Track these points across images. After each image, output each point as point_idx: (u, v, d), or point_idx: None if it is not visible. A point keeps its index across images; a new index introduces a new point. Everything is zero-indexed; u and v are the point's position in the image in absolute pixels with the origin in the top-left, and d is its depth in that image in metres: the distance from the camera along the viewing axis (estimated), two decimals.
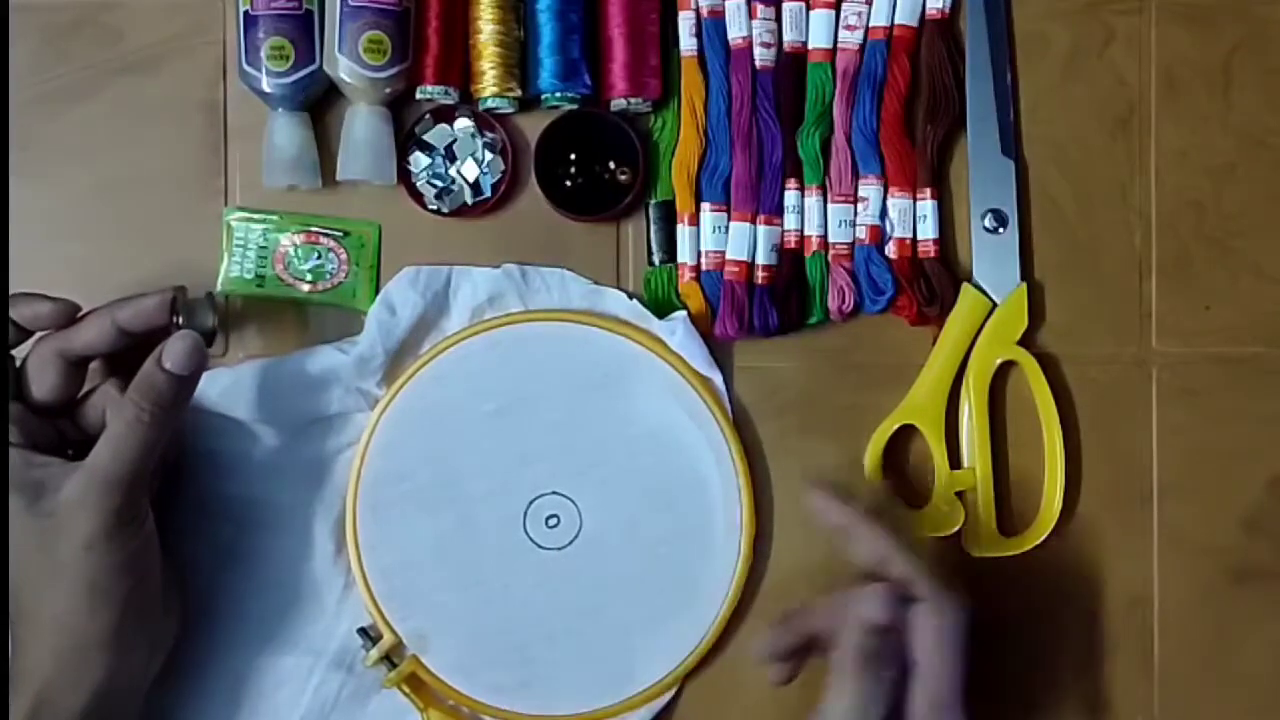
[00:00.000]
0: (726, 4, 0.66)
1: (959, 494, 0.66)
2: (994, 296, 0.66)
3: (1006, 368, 0.66)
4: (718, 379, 0.66)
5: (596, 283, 0.67)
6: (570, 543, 0.65)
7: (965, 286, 0.66)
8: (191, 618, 0.64)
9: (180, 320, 0.62)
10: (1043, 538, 0.66)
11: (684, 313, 0.65)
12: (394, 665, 0.64)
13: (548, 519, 0.65)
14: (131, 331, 0.61)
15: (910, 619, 0.57)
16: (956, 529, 0.66)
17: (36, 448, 0.59)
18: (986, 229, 0.67)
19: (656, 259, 0.66)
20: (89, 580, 0.57)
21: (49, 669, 0.57)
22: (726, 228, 0.66)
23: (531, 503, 0.65)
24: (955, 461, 0.66)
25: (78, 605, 0.57)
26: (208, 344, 0.61)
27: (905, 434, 0.66)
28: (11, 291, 0.61)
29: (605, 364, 0.65)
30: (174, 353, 0.59)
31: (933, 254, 0.66)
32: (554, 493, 0.65)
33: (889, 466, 0.66)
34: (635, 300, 0.66)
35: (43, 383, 0.61)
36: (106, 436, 0.57)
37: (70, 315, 0.61)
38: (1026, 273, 0.67)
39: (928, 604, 0.57)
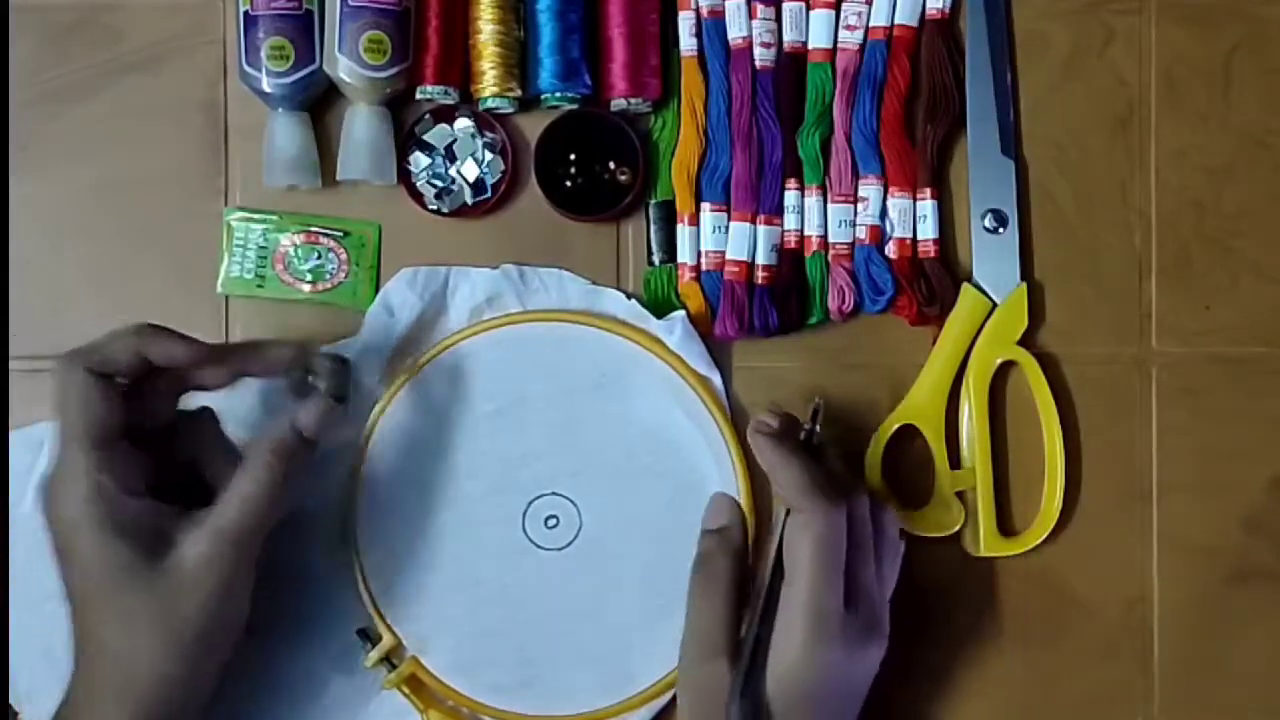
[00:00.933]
0: (726, 4, 0.66)
1: (959, 494, 0.66)
2: (994, 296, 0.66)
3: (1006, 368, 0.66)
4: (716, 379, 0.66)
5: (595, 283, 0.67)
6: (570, 543, 0.65)
7: (965, 286, 0.66)
8: None
9: (313, 379, 0.61)
10: (1043, 538, 0.66)
11: (682, 313, 0.65)
12: (394, 666, 0.64)
13: (547, 519, 0.65)
14: (249, 375, 0.61)
15: (784, 528, 0.58)
16: (956, 529, 0.66)
17: (148, 487, 0.57)
18: (986, 229, 0.67)
19: (656, 259, 0.66)
20: (201, 633, 0.56)
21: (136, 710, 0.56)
22: (726, 228, 0.66)
23: (531, 503, 0.65)
24: (955, 461, 0.66)
25: (182, 657, 0.56)
26: (339, 405, 0.61)
27: (905, 434, 0.66)
28: (145, 323, 0.59)
29: (604, 364, 0.65)
30: (311, 418, 0.59)
31: (933, 254, 0.66)
32: (553, 493, 0.65)
33: (889, 466, 0.66)
34: (633, 300, 0.66)
35: (157, 416, 0.59)
36: (237, 496, 0.57)
37: (203, 359, 0.58)
38: (1026, 273, 0.67)
39: (797, 515, 0.57)
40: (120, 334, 0.58)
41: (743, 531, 0.62)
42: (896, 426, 0.66)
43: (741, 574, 0.60)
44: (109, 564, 0.55)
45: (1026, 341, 0.66)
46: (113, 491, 0.56)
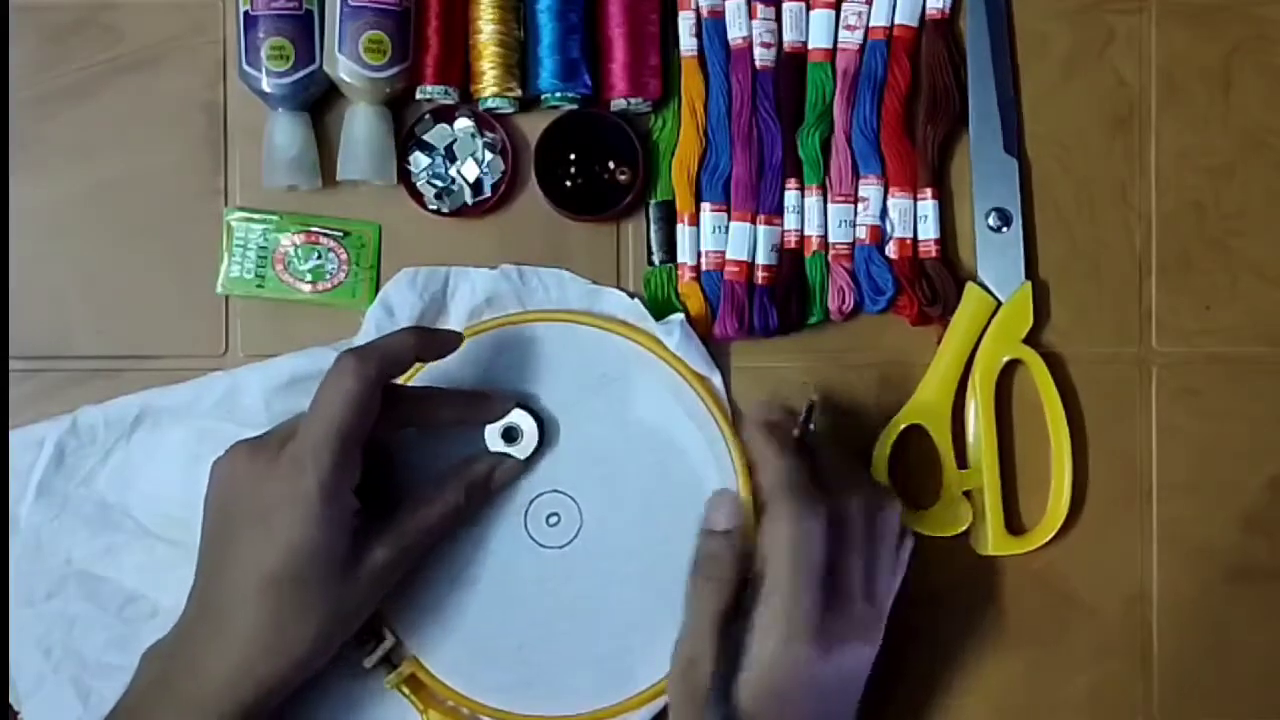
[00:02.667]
0: (726, 4, 0.66)
1: (966, 493, 0.66)
2: (999, 295, 0.66)
3: (1010, 367, 0.66)
4: (716, 379, 0.66)
5: (595, 282, 0.66)
6: (571, 541, 0.65)
7: (970, 285, 0.66)
8: None
9: (515, 441, 0.63)
10: (1050, 536, 0.66)
11: (680, 316, 0.65)
12: (394, 666, 0.64)
13: (548, 517, 0.65)
14: (466, 421, 0.63)
15: (761, 527, 0.58)
16: (965, 528, 0.66)
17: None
18: (991, 227, 0.67)
19: (656, 259, 0.66)
20: (350, 631, 0.59)
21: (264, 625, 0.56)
22: (726, 228, 0.66)
23: (532, 501, 0.65)
24: (962, 461, 0.66)
25: (327, 651, 0.58)
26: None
27: (911, 434, 0.66)
28: (416, 327, 0.63)
29: (604, 363, 0.65)
30: (506, 476, 0.63)
31: (934, 254, 0.66)
32: (555, 490, 0.65)
33: (896, 467, 0.66)
34: (635, 299, 0.66)
35: (388, 425, 0.60)
36: (424, 515, 0.60)
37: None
38: (1031, 271, 0.67)
39: (775, 511, 0.57)
40: (400, 336, 0.59)
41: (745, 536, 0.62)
42: (903, 426, 0.66)
43: (743, 579, 0.59)
44: (311, 553, 0.56)
45: (1030, 341, 0.66)
46: (343, 488, 0.56)
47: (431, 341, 0.60)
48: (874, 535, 0.59)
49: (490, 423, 0.63)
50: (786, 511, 0.57)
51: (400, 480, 0.63)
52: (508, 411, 0.63)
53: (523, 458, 0.64)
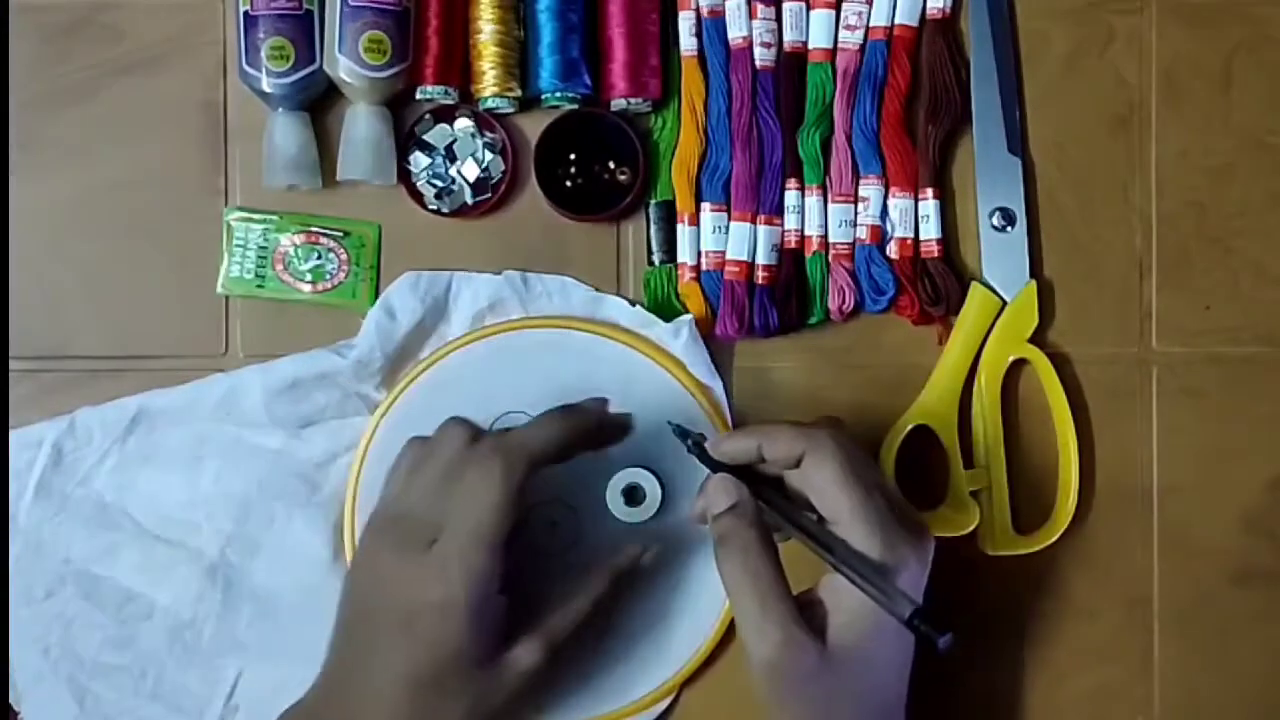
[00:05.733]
0: (726, 4, 0.66)
1: (973, 493, 0.66)
2: (1003, 295, 0.66)
3: (1013, 367, 0.66)
4: (718, 387, 0.66)
5: (598, 289, 0.66)
6: (571, 546, 0.65)
7: (974, 285, 0.66)
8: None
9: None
10: (1058, 535, 0.66)
11: (689, 317, 0.65)
12: None
13: (549, 522, 0.65)
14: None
15: (803, 480, 0.56)
16: (972, 528, 0.66)
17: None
18: (995, 227, 0.67)
19: (656, 259, 0.66)
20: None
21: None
22: (726, 228, 0.66)
23: (532, 507, 0.65)
24: (969, 461, 0.66)
25: None
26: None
27: (917, 434, 0.66)
28: (559, 410, 0.60)
29: (606, 370, 0.65)
30: (629, 561, 0.62)
31: (936, 254, 0.66)
32: (555, 498, 0.65)
33: (903, 467, 0.66)
34: (637, 306, 0.66)
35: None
36: (575, 610, 0.59)
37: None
38: (1035, 270, 0.67)
39: (808, 457, 0.56)
40: (546, 426, 0.58)
41: (753, 502, 0.58)
42: (910, 427, 0.66)
43: (769, 538, 0.57)
44: (454, 658, 0.55)
45: (1033, 341, 0.66)
46: (491, 590, 0.55)
47: (590, 430, 0.59)
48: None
49: (610, 444, 0.62)
50: (817, 448, 0.55)
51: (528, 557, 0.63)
52: (614, 423, 0.62)
53: (644, 519, 0.64)
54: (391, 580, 0.56)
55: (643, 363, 0.65)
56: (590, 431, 0.60)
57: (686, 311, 0.66)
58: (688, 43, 0.66)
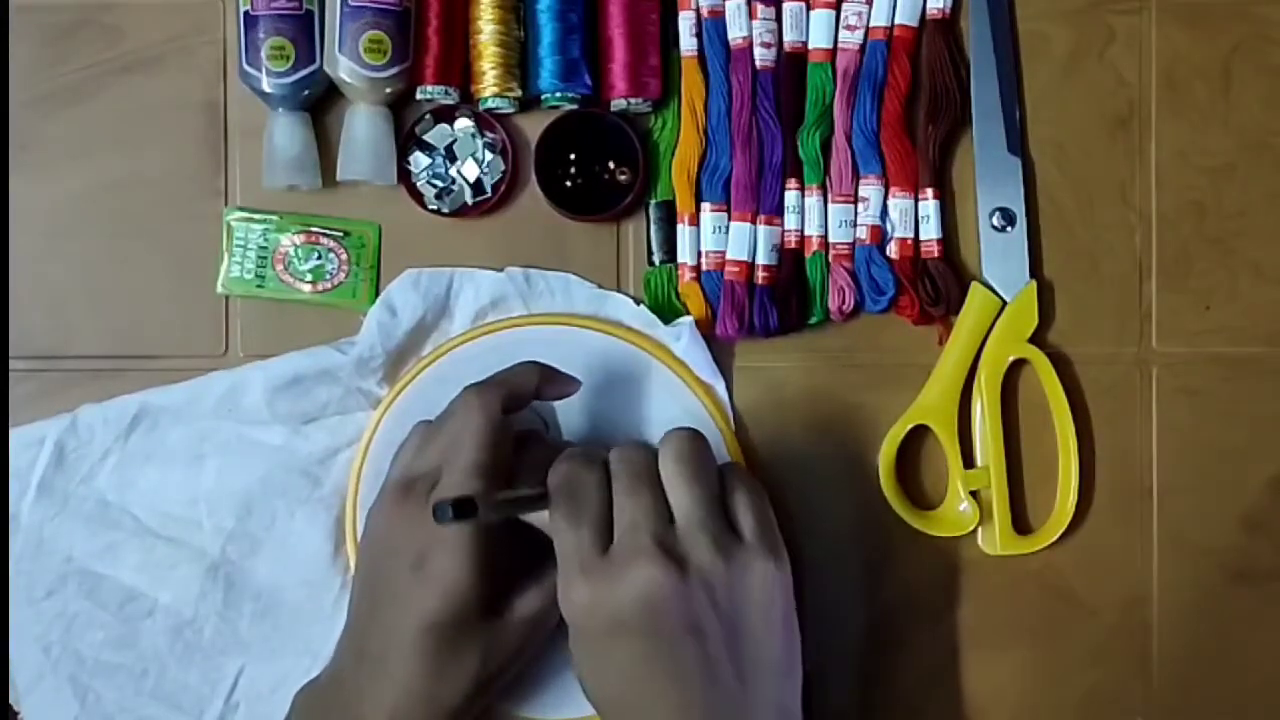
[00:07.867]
0: (726, 4, 0.66)
1: (973, 493, 0.66)
2: (1003, 295, 0.66)
3: (1013, 367, 0.66)
4: (720, 387, 0.66)
5: (601, 287, 0.66)
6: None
7: (974, 285, 0.66)
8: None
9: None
10: (1058, 535, 0.66)
11: (690, 319, 0.65)
12: None
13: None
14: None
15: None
16: (972, 528, 0.66)
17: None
18: (995, 227, 0.67)
19: (657, 259, 0.66)
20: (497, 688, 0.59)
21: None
22: (726, 228, 0.66)
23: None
24: (969, 461, 0.66)
25: (466, 708, 0.57)
26: None
27: (916, 434, 0.66)
28: (535, 361, 0.61)
29: (608, 368, 0.65)
30: None
31: (936, 254, 0.66)
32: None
33: (902, 468, 0.66)
34: (641, 305, 0.66)
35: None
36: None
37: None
38: (1035, 270, 0.67)
39: (662, 447, 0.56)
40: (523, 370, 0.59)
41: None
42: (910, 427, 0.66)
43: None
44: (466, 597, 0.55)
45: (1033, 341, 0.66)
46: (489, 531, 0.56)
47: (554, 379, 0.60)
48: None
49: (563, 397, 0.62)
50: (669, 438, 0.56)
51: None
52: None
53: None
54: (401, 533, 0.56)
55: (647, 360, 0.65)
56: (559, 380, 0.61)
57: (687, 312, 0.66)
58: (688, 43, 0.66)
